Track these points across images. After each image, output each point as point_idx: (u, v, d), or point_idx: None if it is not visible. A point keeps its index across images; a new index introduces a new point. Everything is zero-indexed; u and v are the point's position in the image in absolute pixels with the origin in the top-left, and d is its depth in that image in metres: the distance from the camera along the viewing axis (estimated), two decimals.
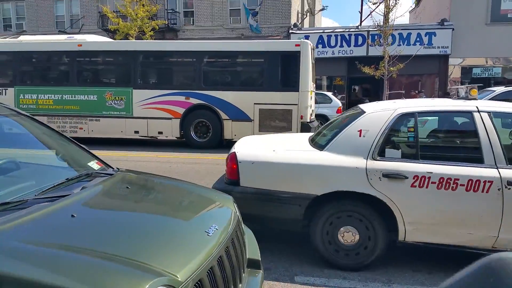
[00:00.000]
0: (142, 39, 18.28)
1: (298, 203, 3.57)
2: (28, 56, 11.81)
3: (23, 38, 12.40)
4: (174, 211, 2.37)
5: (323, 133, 4.34)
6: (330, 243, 3.58)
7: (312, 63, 10.81)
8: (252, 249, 2.54)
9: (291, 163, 3.68)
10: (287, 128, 10.41)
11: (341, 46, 19.25)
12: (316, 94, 13.40)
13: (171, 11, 20.92)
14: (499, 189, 3.24)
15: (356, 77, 19.17)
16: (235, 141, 10.50)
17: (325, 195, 3.52)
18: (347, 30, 19.46)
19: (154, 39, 18.73)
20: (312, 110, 11.28)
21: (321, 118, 14.40)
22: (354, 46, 19.09)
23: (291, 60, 10.39)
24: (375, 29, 15.84)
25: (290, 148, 4.10)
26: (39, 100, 11.52)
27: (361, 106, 4.12)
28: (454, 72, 18.59)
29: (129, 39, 18.00)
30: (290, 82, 10.45)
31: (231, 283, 1.98)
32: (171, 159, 9.37)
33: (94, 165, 2.84)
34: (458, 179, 3.28)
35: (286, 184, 3.66)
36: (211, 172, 7.74)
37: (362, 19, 19.29)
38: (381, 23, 15.07)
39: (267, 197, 3.68)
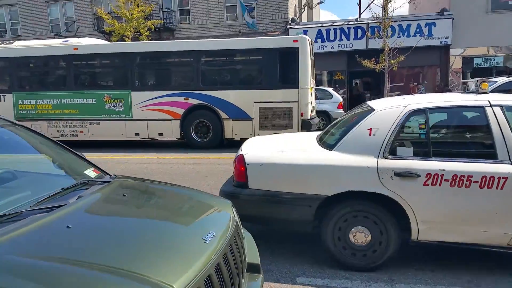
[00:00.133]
0: (139, 40, 18.21)
1: (308, 204, 3.53)
2: (24, 61, 11.72)
3: (18, 43, 12.30)
4: (171, 219, 2.31)
5: (331, 132, 4.26)
6: (341, 244, 3.54)
7: (311, 58, 10.70)
8: (252, 253, 2.50)
9: (300, 164, 3.63)
10: (288, 126, 10.32)
11: (341, 39, 19.09)
12: (316, 90, 13.31)
13: (166, 10, 20.81)
14: None
15: (356, 71, 19.03)
16: (236, 141, 10.61)
17: (336, 195, 3.46)
18: (346, 23, 19.30)
19: (151, 39, 18.65)
20: (313, 107, 11.18)
21: (322, 114, 14.33)
22: (353, 39, 18.93)
23: (289, 56, 10.28)
24: (374, 21, 15.69)
25: (299, 148, 4.06)
26: (38, 105, 11.46)
27: (370, 103, 4.03)
28: (455, 62, 18.43)
29: (125, 40, 17.91)
30: (289, 79, 10.35)
31: None
32: (172, 160, 9.29)
33: (91, 172, 2.76)
34: (471, 176, 3.20)
35: (295, 185, 3.60)
36: (212, 173, 7.67)
37: (361, 11, 19.15)
38: (380, 15, 14.91)
39: (276, 199, 3.63)
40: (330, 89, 15.55)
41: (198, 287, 1.68)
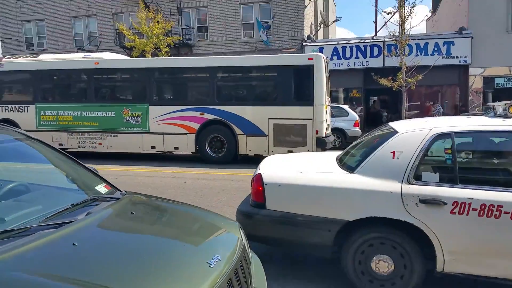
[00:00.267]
0: (158, 55, 18.58)
1: (328, 228, 3.41)
2: (48, 74, 12.12)
3: (42, 57, 12.75)
4: (177, 241, 2.30)
5: (351, 153, 4.15)
6: (363, 273, 3.37)
7: (326, 76, 10.72)
8: (259, 278, 2.44)
9: (319, 186, 3.53)
10: (302, 143, 10.31)
11: (357, 57, 19.09)
12: (332, 107, 13.26)
13: (185, 27, 21.25)
14: None
15: (373, 88, 18.87)
16: (250, 156, 10.63)
17: (357, 220, 3.33)
18: (362, 41, 19.31)
19: (170, 55, 19.02)
20: (328, 125, 11.16)
21: (338, 132, 14.21)
22: (370, 57, 18.88)
23: (304, 74, 10.33)
24: (391, 39, 15.65)
25: (318, 169, 3.95)
26: (59, 116, 11.78)
27: (392, 125, 3.93)
28: (476, 82, 18.13)
29: (145, 56, 18.32)
30: (304, 96, 10.38)
31: None
32: (186, 174, 9.38)
33: (102, 188, 2.81)
34: (501, 206, 3.01)
35: (315, 208, 3.50)
36: (225, 189, 7.69)
37: (377, 30, 19.15)
38: (397, 33, 14.87)
39: (294, 221, 3.54)
40: (346, 107, 15.43)
41: None
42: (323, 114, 10.34)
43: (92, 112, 11.57)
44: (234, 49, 20.65)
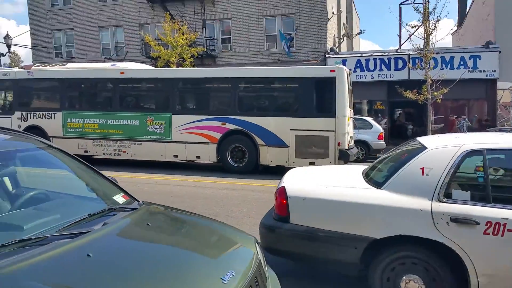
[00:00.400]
0: (182, 66, 18.89)
1: (354, 245, 3.30)
2: (75, 82, 12.46)
3: (70, 65, 13.14)
4: (191, 254, 2.27)
5: (378, 168, 4.05)
6: None
7: (349, 88, 10.61)
8: None
9: (346, 202, 3.43)
10: (324, 155, 10.19)
11: (381, 69, 18.91)
12: (355, 119, 13.11)
13: (209, 38, 21.55)
14: None
15: (397, 101, 18.67)
16: (271, 167, 10.57)
17: (386, 238, 3.22)
18: (386, 53, 19.13)
19: (194, 65, 19.30)
20: (351, 137, 11.00)
21: (361, 144, 14.02)
22: (394, 69, 18.69)
23: (326, 86, 10.26)
24: (416, 53, 15.40)
25: (344, 184, 3.84)
26: (85, 124, 12.05)
27: (420, 140, 3.82)
28: (504, 96, 17.67)
29: (170, 66, 18.65)
30: (326, 108, 10.29)
31: None
32: (207, 183, 9.39)
33: (120, 198, 2.81)
34: None
35: (340, 224, 3.41)
36: (245, 199, 7.65)
37: (402, 43, 18.91)
38: (421, 47, 14.62)
39: (319, 237, 3.45)
40: (370, 119, 15.23)
41: None
42: (345, 126, 10.21)
43: (117, 120, 11.79)
44: (257, 60, 20.79)
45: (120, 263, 1.97)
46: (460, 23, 24.09)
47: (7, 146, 2.76)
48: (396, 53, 18.77)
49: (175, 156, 11.44)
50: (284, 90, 11.40)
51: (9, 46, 20.21)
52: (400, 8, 18.84)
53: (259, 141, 10.67)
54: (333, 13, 21.44)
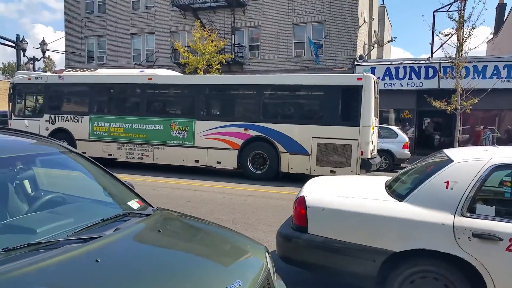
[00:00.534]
0: (210, 72, 19.13)
1: (373, 258, 3.26)
2: (104, 87, 12.86)
3: (100, 71, 13.55)
4: (199, 262, 2.27)
5: (402, 179, 3.98)
6: None
7: (375, 97, 10.45)
8: None
9: (366, 213, 3.38)
10: (346, 164, 10.06)
11: (410, 78, 18.54)
12: (380, 128, 12.89)
13: (237, 45, 21.76)
14: None
15: (426, 110, 18.26)
16: (292, 174, 10.52)
17: (405, 252, 3.17)
18: (416, 62, 18.73)
19: (221, 72, 19.51)
20: (374, 146, 10.82)
21: (386, 153, 13.76)
22: (424, 78, 18.28)
23: (352, 94, 10.14)
24: (447, 61, 14.99)
25: (365, 195, 3.78)
26: (111, 128, 12.39)
27: (447, 152, 3.74)
28: None
29: (197, 72, 18.93)
30: (351, 116, 10.17)
31: None
32: (226, 189, 9.44)
33: (134, 203, 2.86)
34: None
35: (359, 236, 3.36)
36: (264, 207, 7.64)
37: (433, 51, 18.47)
38: (454, 55, 14.21)
39: (337, 248, 3.42)
40: (395, 128, 14.91)
41: None
42: (369, 135, 10.05)
43: (141, 125, 12.06)
44: (284, 67, 20.83)
45: (127, 269, 1.99)
46: (496, 31, 23.29)
47: (32, 150, 2.87)
48: (427, 62, 18.35)
49: (196, 161, 11.58)
50: (309, 98, 11.36)
51: (44, 52, 21.06)
52: (434, 15, 18.44)
53: (280, 148, 10.65)
54: (364, 20, 21.21)
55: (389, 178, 4.34)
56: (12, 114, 13.46)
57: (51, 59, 53.36)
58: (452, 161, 3.37)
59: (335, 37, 20.25)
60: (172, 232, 2.70)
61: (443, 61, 16.57)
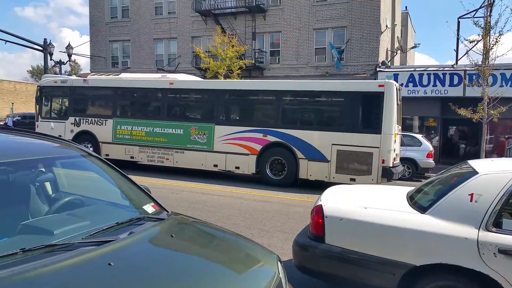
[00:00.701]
0: (230, 77, 19.25)
1: (392, 271, 3.17)
2: (127, 91, 13.11)
3: (123, 75, 13.83)
4: (212, 269, 2.27)
5: (424, 191, 3.88)
6: None
7: (397, 104, 10.26)
8: None
9: (386, 225, 3.30)
10: (366, 172, 9.90)
11: (434, 85, 18.15)
12: (404, 136, 12.64)
13: (258, 50, 21.84)
14: None
15: (451, 118, 17.85)
16: (311, 181, 10.42)
17: (425, 266, 3.08)
18: (441, 69, 18.34)
19: (241, 77, 19.60)
20: (396, 154, 10.59)
21: (409, 162, 13.47)
22: (449, 85, 17.86)
23: (374, 101, 9.99)
24: (473, 69, 14.62)
25: (385, 206, 3.67)
26: (133, 131, 12.59)
27: (472, 164, 3.63)
28: None
29: (218, 77, 19.08)
30: (372, 124, 10.02)
31: None
32: (244, 195, 9.43)
33: (149, 208, 2.88)
34: None
35: (378, 248, 3.28)
36: (281, 213, 7.58)
37: (459, 58, 18.05)
38: (480, 62, 13.83)
39: (355, 260, 3.34)
40: (419, 136, 14.56)
41: None
42: (391, 143, 9.86)
43: (163, 129, 12.21)
44: (304, 72, 20.76)
45: (139, 273, 2.00)
46: None
47: (53, 153, 2.95)
48: (452, 69, 17.94)
49: (215, 165, 11.63)
50: (329, 104, 11.26)
51: (69, 55, 21.69)
52: (459, 22, 18.06)
53: (299, 154, 10.58)
54: (386, 26, 20.95)
55: (411, 188, 4.24)
56: (39, 116, 13.84)
57: (77, 63, 54.93)
58: (477, 173, 3.26)
59: (356, 43, 20.06)
60: (185, 238, 2.71)
61: (468, 68, 16.17)
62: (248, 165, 11.21)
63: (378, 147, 9.84)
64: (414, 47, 26.26)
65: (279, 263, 2.53)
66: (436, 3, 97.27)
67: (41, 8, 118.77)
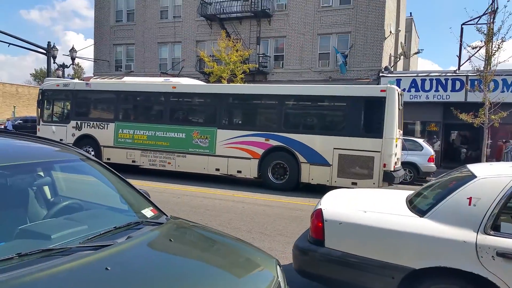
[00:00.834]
0: (234, 81, 19.28)
1: (392, 275, 3.19)
2: (129, 95, 13.12)
3: (126, 79, 13.84)
4: (211, 273, 2.27)
5: (423, 194, 3.90)
6: None
7: (399, 109, 10.27)
8: None
9: (385, 229, 3.32)
10: (368, 176, 9.89)
11: (437, 90, 18.19)
12: (405, 140, 12.63)
13: (262, 55, 21.89)
14: None
15: (452, 123, 17.88)
16: (312, 185, 10.40)
17: (424, 269, 3.09)
18: (443, 74, 18.35)
19: (245, 81, 19.62)
20: (398, 159, 10.59)
21: (410, 166, 13.47)
22: (451, 91, 17.92)
23: (375, 106, 10.01)
24: (475, 74, 14.61)
25: (384, 210, 3.70)
26: (135, 135, 12.59)
27: (471, 168, 3.65)
28: None
29: (222, 81, 19.11)
30: (374, 128, 10.03)
31: None
32: (246, 199, 9.42)
33: (148, 212, 2.88)
34: None
35: (378, 251, 3.30)
36: (282, 217, 7.57)
37: (461, 63, 18.04)
38: (482, 68, 13.85)
39: (354, 264, 3.36)
40: (420, 141, 14.58)
41: None
42: (392, 147, 9.86)
43: (164, 133, 12.22)
44: (308, 77, 20.80)
45: (137, 277, 2.00)
46: None
47: (53, 156, 2.95)
48: (454, 74, 17.97)
49: (217, 169, 11.63)
50: (331, 109, 11.28)
51: (73, 59, 21.77)
52: (462, 28, 18.10)
53: (301, 158, 10.58)
54: (390, 32, 20.98)
55: (410, 192, 4.25)
56: (40, 119, 13.83)
57: (80, 66, 55.13)
58: (476, 176, 3.28)
59: (360, 48, 20.10)
60: (184, 242, 2.70)
61: (470, 74, 16.16)
62: (250, 169, 11.21)
63: (379, 151, 9.84)
64: (417, 52, 26.28)
65: (278, 267, 2.54)
66: (440, 10, 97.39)
67: (47, 11, 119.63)
